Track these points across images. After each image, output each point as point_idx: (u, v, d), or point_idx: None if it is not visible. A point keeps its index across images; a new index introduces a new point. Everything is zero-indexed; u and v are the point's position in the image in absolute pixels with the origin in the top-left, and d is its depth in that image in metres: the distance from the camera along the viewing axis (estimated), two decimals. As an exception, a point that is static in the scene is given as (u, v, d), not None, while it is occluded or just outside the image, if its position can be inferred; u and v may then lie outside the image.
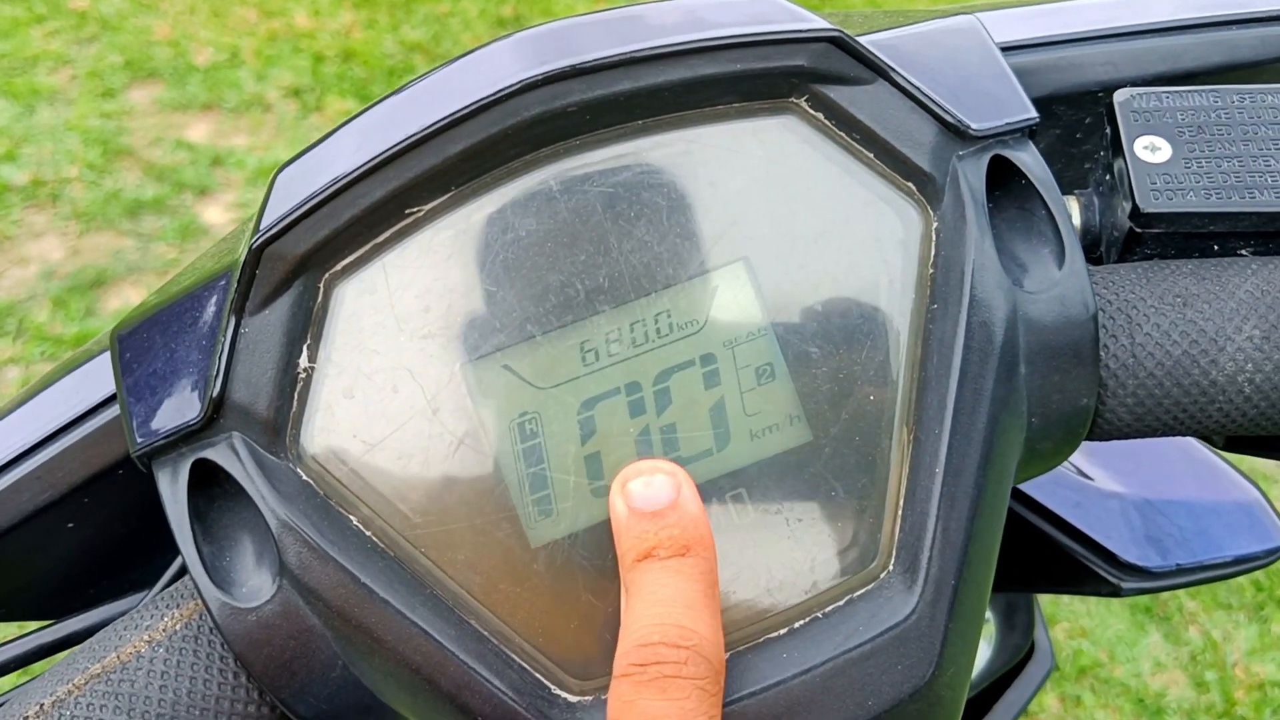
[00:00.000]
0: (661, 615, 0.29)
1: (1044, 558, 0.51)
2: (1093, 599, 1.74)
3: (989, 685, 0.64)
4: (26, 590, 0.40)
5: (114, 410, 0.37)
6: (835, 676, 0.31)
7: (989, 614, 0.59)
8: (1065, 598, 1.73)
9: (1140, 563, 0.49)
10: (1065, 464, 0.53)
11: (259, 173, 2.23)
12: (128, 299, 1.99)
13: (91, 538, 0.39)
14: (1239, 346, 0.33)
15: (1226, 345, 0.33)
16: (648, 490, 0.31)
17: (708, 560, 0.30)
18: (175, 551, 0.39)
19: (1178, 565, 0.48)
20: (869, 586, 0.32)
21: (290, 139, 2.32)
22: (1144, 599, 1.73)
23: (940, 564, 0.32)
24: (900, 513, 0.32)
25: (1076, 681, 1.64)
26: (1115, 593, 0.49)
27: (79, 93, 2.38)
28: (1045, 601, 1.73)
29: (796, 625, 0.32)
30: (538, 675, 0.31)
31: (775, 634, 0.32)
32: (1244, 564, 0.50)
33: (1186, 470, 0.53)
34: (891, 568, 0.32)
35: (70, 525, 0.38)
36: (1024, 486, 0.51)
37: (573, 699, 0.31)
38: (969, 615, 0.33)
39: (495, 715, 0.31)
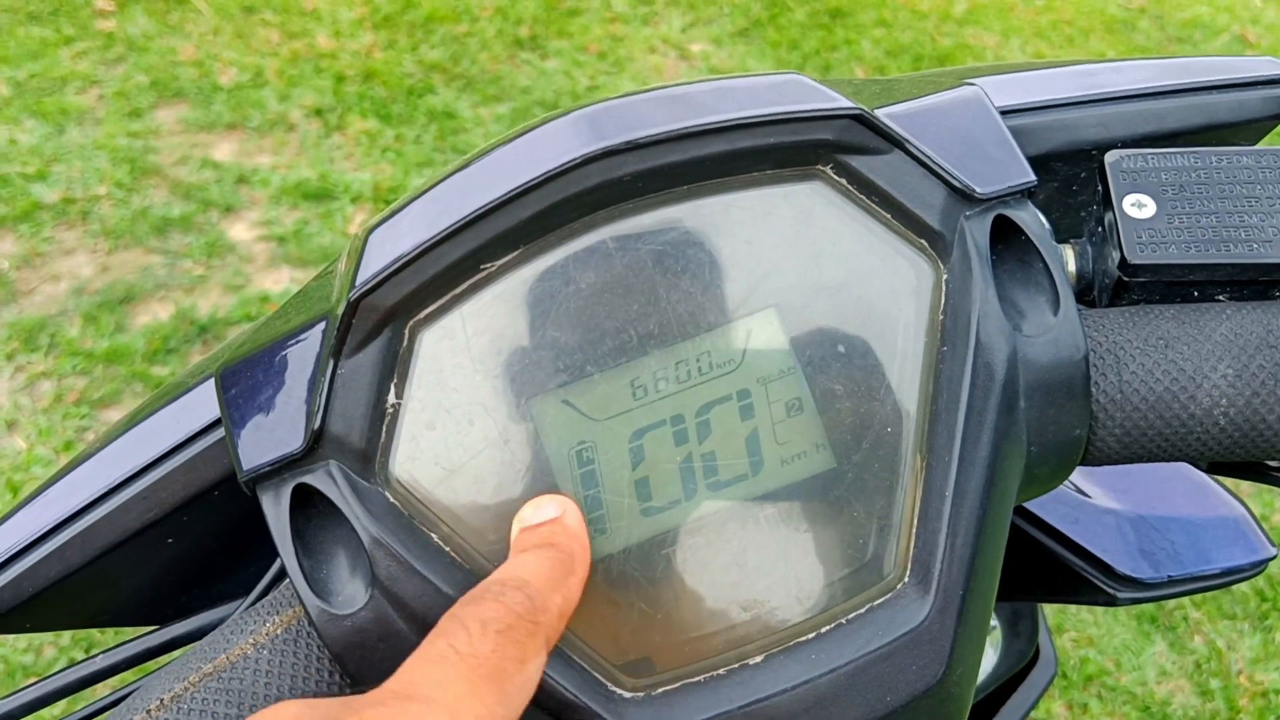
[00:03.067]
0: (507, 569, 0.33)
1: (1045, 569, 0.55)
2: (1099, 610, 1.77)
3: (995, 689, 0.68)
4: (127, 599, 0.45)
5: (210, 438, 0.42)
6: (858, 675, 0.35)
7: (995, 621, 0.62)
8: (1072, 608, 1.77)
9: (1134, 574, 0.53)
10: (1064, 483, 0.57)
11: (283, 191, 2.28)
12: (156, 315, 2.04)
13: (187, 552, 0.43)
14: (1214, 384, 0.38)
15: (1203, 383, 0.38)
16: (536, 512, 0.36)
17: (571, 559, 0.34)
18: (262, 565, 0.44)
19: (1169, 577, 0.53)
20: (887, 596, 0.36)
21: (313, 157, 2.37)
22: (1149, 609, 1.77)
23: (950, 576, 0.36)
24: (914, 530, 0.36)
25: (1083, 689, 1.67)
26: (1111, 602, 0.53)
27: (107, 112, 2.44)
28: (1052, 611, 1.76)
29: (823, 630, 0.36)
30: (596, 675, 0.36)
31: (804, 638, 0.36)
32: (1231, 575, 0.54)
33: (1178, 488, 0.57)
34: (907, 579, 0.36)
35: (170, 540, 0.42)
36: (1027, 504, 0.55)
37: (627, 695, 0.36)
38: (975, 621, 0.37)
39: (560, 710, 0.35)
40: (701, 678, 0.36)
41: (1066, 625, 1.74)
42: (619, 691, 0.36)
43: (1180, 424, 0.38)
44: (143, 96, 2.48)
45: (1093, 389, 0.38)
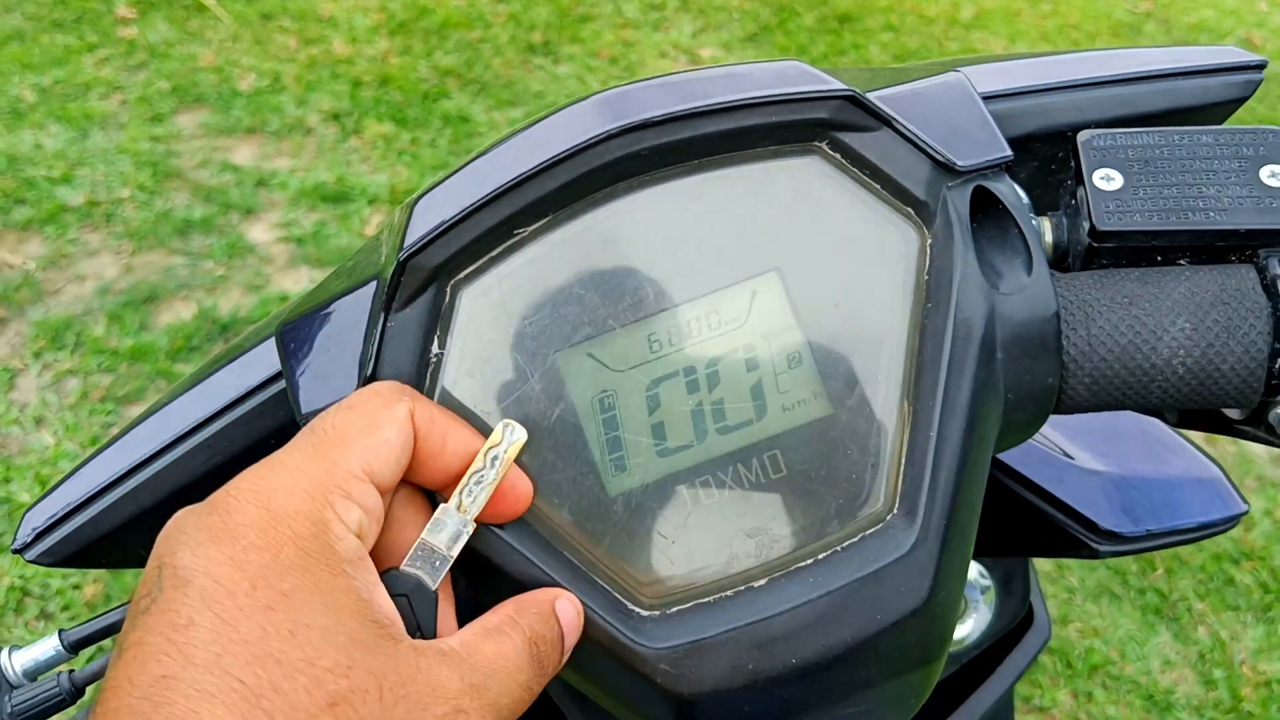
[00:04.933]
0: None
1: (1033, 526, 0.59)
2: (1105, 601, 1.80)
3: (990, 648, 0.72)
4: None
5: (267, 393, 0.46)
6: (851, 596, 0.39)
7: (989, 581, 0.66)
8: (1078, 599, 1.80)
9: (1115, 529, 0.56)
10: (1051, 446, 0.61)
11: (301, 193, 2.33)
12: (179, 314, 2.09)
13: None
14: (1173, 336, 0.41)
15: (1164, 335, 0.42)
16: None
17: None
18: None
19: (1148, 530, 0.56)
20: (878, 526, 0.40)
21: (330, 161, 2.42)
22: (1154, 600, 1.80)
23: (934, 508, 0.39)
24: (902, 468, 0.40)
25: (1088, 678, 1.70)
26: (1094, 555, 0.57)
27: (129, 117, 2.49)
28: (1056, 603, 1.80)
29: (820, 557, 0.40)
30: (616, 594, 0.40)
31: (803, 564, 0.40)
32: (1206, 529, 0.57)
33: (1157, 451, 0.60)
34: (896, 511, 0.40)
35: None
36: (1016, 464, 0.59)
37: (644, 613, 0.40)
38: (958, 550, 0.41)
39: (584, 625, 0.39)
40: (711, 598, 0.40)
41: (1072, 616, 1.77)
42: (637, 610, 0.39)
43: (1143, 373, 0.42)
44: (164, 102, 2.54)
45: (1064, 342, 0.42)
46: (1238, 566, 1.84)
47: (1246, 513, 0.58)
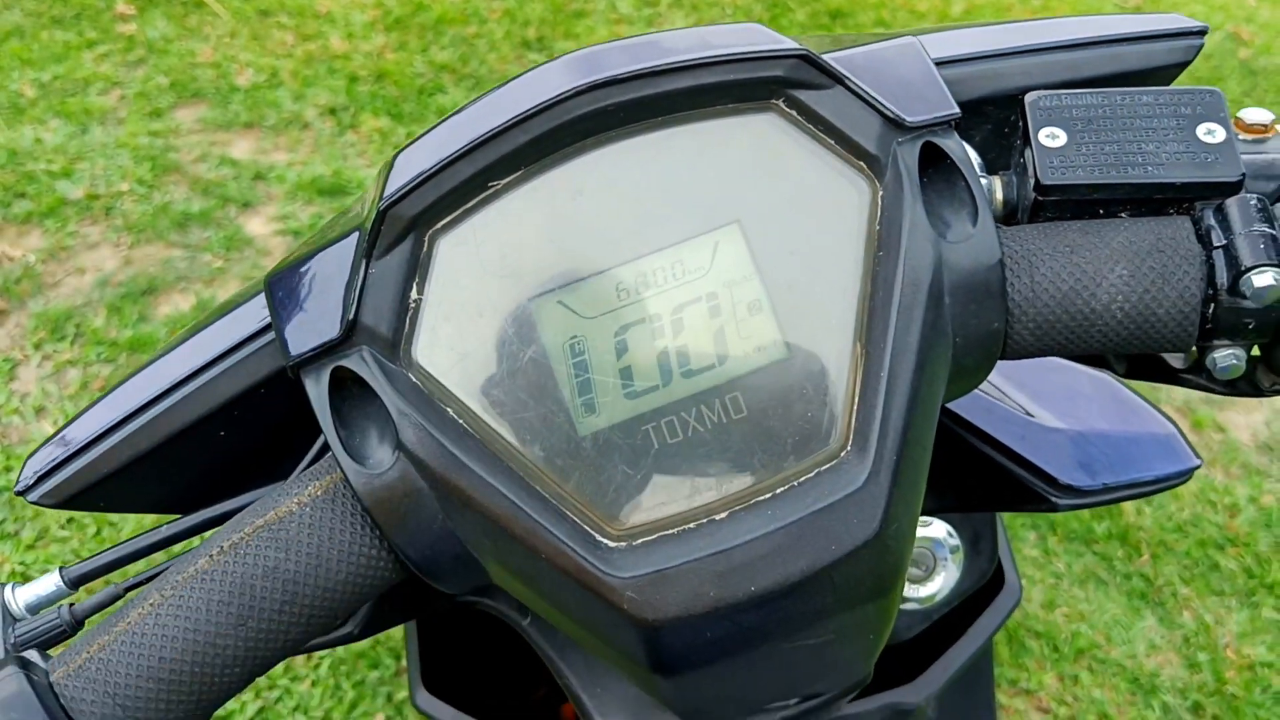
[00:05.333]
0: None
1: (995, 481, 0.61)
2: (1091, 586, 1.82)
3: (962, 609, 0.74)
4: (187, 487, 0.51)
5: (256, 344, 0.48)
6: (807, 528, 0.41)
7: (958, 541, 0.68)
8: (1065, 584, 1.82)
9: (1073, 483, 0.59)
10: (1014, 406, 0.63)
11: (298, 187, 2.35)
12: (178, 305, 2.12)
13: (238, 444, 0.50)
14: (1112, 283, 0.44)
15: (1103, 282, 0.44)
16: None
17: None
18: (302, 457, 0.51)
19: (1104, 484, 0.59)
20: (832, 463, 0.42)
21: (327, 155, 2.44)
22: (1140, 585, 1.82)
23: (885, 445, 0.42)
24: (855, 407, 0.42)
25: (1075, 662, 1.73)
26: (1053, 508, 0.59)
27: (128, 112, 2.52)
28: (1045, 588, 1.82)
29: (778, 491, 0.42)
30: (585, 527, 0.42)
31: (762, 498, 0.42)
32: (1161, 483, 0.60)
33: (1114, 410, 0.63)
34: (849, 448, 0.42)
35: (222, 433, 0.49)
36: (980, 423, 0.61)
37: (611, 544, 0.42)
38: (909, 485, 0.43)
39: (554, 555, 0.41)
40: (675, 530, 0.42)
41: (1059, 601, 1.80)
42: (604, 541, 0.42)
43: (1084, 318, 0.44)
44: (163, 97, 2.56)
45: (1008, 289, 0.44)
46: (1222, 552, 1.86)
47: (1199, 467, 0.60)
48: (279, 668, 1.67)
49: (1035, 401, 0.63)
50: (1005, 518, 0.75)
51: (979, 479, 0.62)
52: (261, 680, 1.65)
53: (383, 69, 2.68)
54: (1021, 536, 1.89)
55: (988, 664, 0.99)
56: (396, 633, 1.72)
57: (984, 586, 0.73)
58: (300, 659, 1.68)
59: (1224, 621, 1.78)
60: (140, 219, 2.27)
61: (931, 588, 0.68)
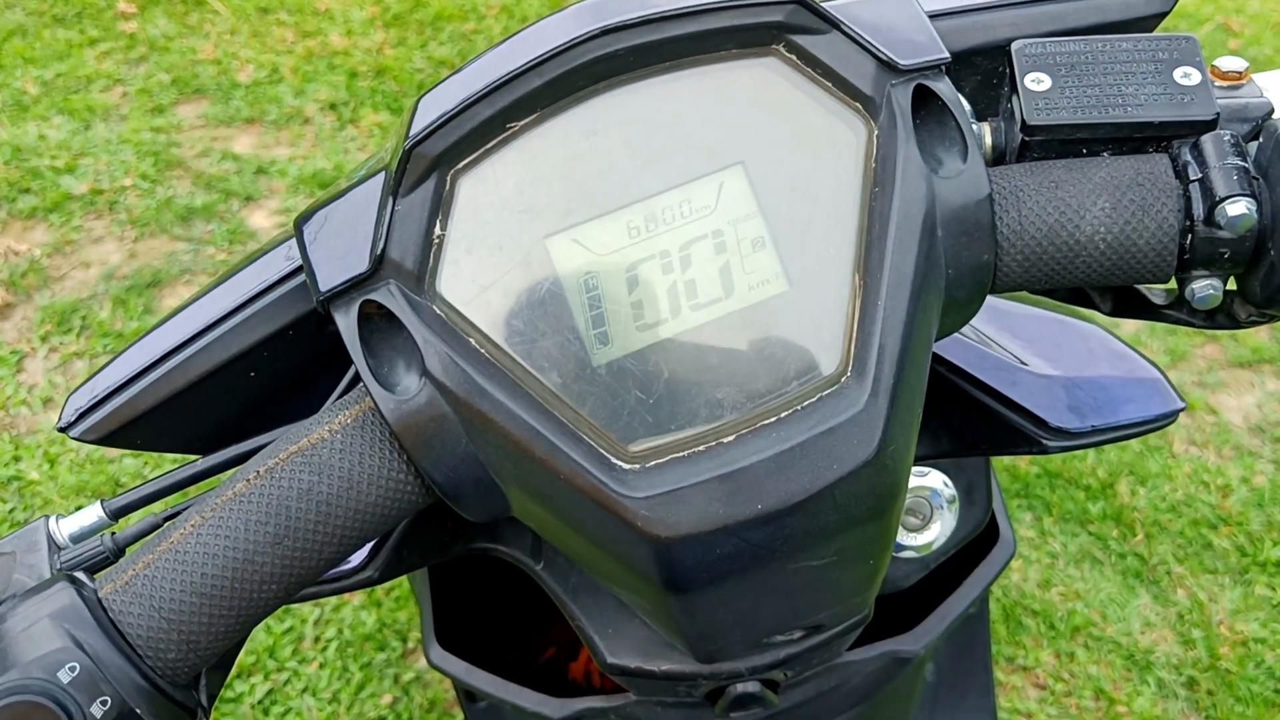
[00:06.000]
0: None
1: (988, 425, 0.64)
2: (1087, 565, 1.85)
3: (959, 561, 0.76)
4: (219, 427, 0.54)
5: (283, 289, 0.51)
6: (810, 448, 0.44)
7: (954, 490, 0.71)
8: (1061, 564, 1.85)
9: (1064, 425, 0.61)
10: (1007, 355, 0.66)
11: (300, 180, 2.38)
12: (182, 297, 2.14)
13: (267, 385, 0.53)
14: (1095, 215, 0.46)
15: (1085, 214, 0.46)
16: None
17: None
18: (322, 398, 0.53)
19: (1093, 426, 0.61)
20: (834, 388, 0.45)
21: (328, 149, 2.47)
22: (1134, 564, 1.84)
23: (883, 370, 0.44)
24: (854, 335, 0.45)
25: (1070, 639, 1.75)
26: (1044, 450, 0.61)
27: (131, 109, 2.54)
28: (1041, 568, 1.84)
29: (783, 415, 0.45)
30: (600, 449, 0.44)
31: (767, 421, 0.45)
32: (1148, 424, 0.62)
33: (1103, 357, 0.65)
34: (849, 374, 0.45)
35: (252, 374, 0.52)
36: (974, 370, 0.64)
37: (625, 466, 0.44)
38: (906, 409, 0.45)
39: (572, 476, 0.44)
40: (686, 453, 0.44)
41: (1055, 580, 1.82)
42: (619, 463, 0.44)
43: (1069, 249, 0.47)
44: (165, 94, 2.58)
45: (997, 222, 0.47)
46: (1216, 531, 1.89)
47: (1184, 409, 0.63)
48: (286, 649, 1.69)
49: (1028, 350, 0.65)
50: (1002, 494, 0.78)
51: (973, 423, 0.64)
52: (270, 662, 1.67)
53: (382, 64, 2.70)
54: (1018, 517, 1.91)
55: (984, 627, 1.02)
56: (403, 614, 1.74)
57: (979, 541, 0.76)
58: (307, 640, 1.71)
59: (1217, 599, 1.81)
60: (144, 213, 2.29)
61: (928, 536, 0.71)
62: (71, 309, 2.11)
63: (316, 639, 1.71)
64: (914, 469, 0.68)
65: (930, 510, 0.71)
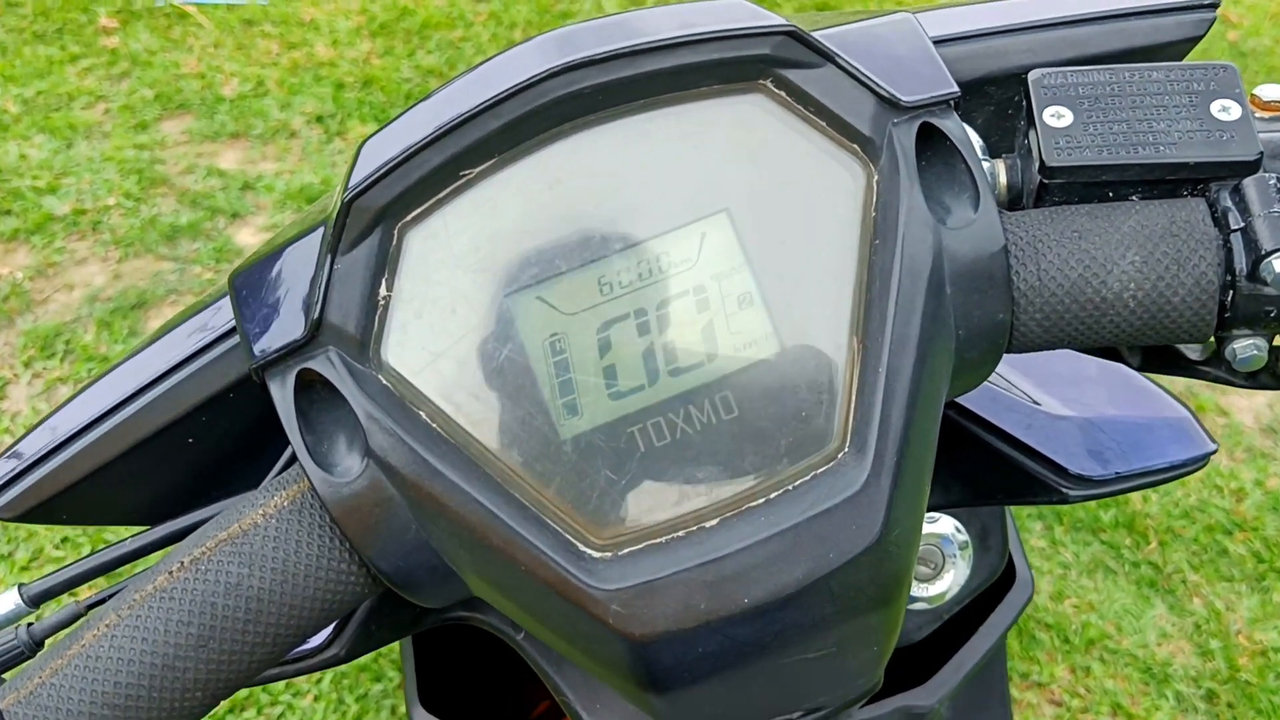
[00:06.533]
0: None
1: (1002, 473, 0.59)
2: (1100, 575, 1.80)
3: (970, 605, 0.72)
4: (154, 498, 0.49)
5: (223, 347, 0.46)
6: (802, 535, 0.39)
7: (966, 536, 0.66)
8: (1073, 574, 1.80)
9: (1084, 473, 0.56)
10: (1019, 394, 0.61)
11: (288, 195, 2.33)
12: (168, 319, 2.09)
13: (207, 452, 0.48)
14: (1124, 269, 0.41)
15: (1113, 269, 0.41)
16: None
17: None
18: (267, 468, 0.48)
19: (1116, 473, 0.56)
20: (829, 465, 0.40)
21: (316, 163, 2.42)
22: (1149, 573, 1.80)
23: (885, 445, 0.39)
24: (853, 405, 0.40)
25: (1086, 653, 1.71)
26: (1064, 500, 0.57)
27: (114, 126, 2.49)
28: (1053, 579, 1.80)
29: (772, 496, 0.40)
30: (568, 536, 0.39)
31: (755, 503, 0.40)
32: (1176, 470, 0.57)
33: (1124, 395, 0.60)
34: (847, 449, 0.40)
35: (190, 440, 0.47)
36: (984, 412, 0.59)
37: (595, 554, 0.39)
38: (911, 487, 0.41)
39: (535, 566, 0.39)
40: (663, 539, 0.40)
41: (1068, 591, 1.78)
42: (588, 551, 0.40)
43: (1094, 307, 0.42)
44: (148, 110, 2.54)
45: (1013, 277, 0.42)
46: (1230, 537, 1.84)
47: (1214, 452, 0.58)
48: (279, 683, 1.65)
49: (1041, 388, 0.60)
50: (1018, 528, 0.73)
51: (985, 471, 0.59)
52: (263, 696, 1.63)
53: (369, 75, 2.66)
54: (1028, 527, 1.86)
55: (1001, 658, 0.97)
56: (399, 643, 1.70)
57: (995, 580, 0.71)
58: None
59: (1234, 607, 1.76)
60: (128, 233, 2.25)
61: (940, 586, 0.66)
62: (55, 333, 2.06)
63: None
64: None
65: (942, 559, 0.66)
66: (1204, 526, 1.86)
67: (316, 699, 1.63)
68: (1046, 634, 1.73)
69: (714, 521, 0.40)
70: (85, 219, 2.27)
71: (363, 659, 1.67)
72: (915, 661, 0.71)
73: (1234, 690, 1.66)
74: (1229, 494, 1.90)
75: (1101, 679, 1.68)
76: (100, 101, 2.56)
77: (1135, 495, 1.89)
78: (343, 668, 1.66)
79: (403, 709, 1.63)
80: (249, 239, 2.26)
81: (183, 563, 0.40)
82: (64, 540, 1.77)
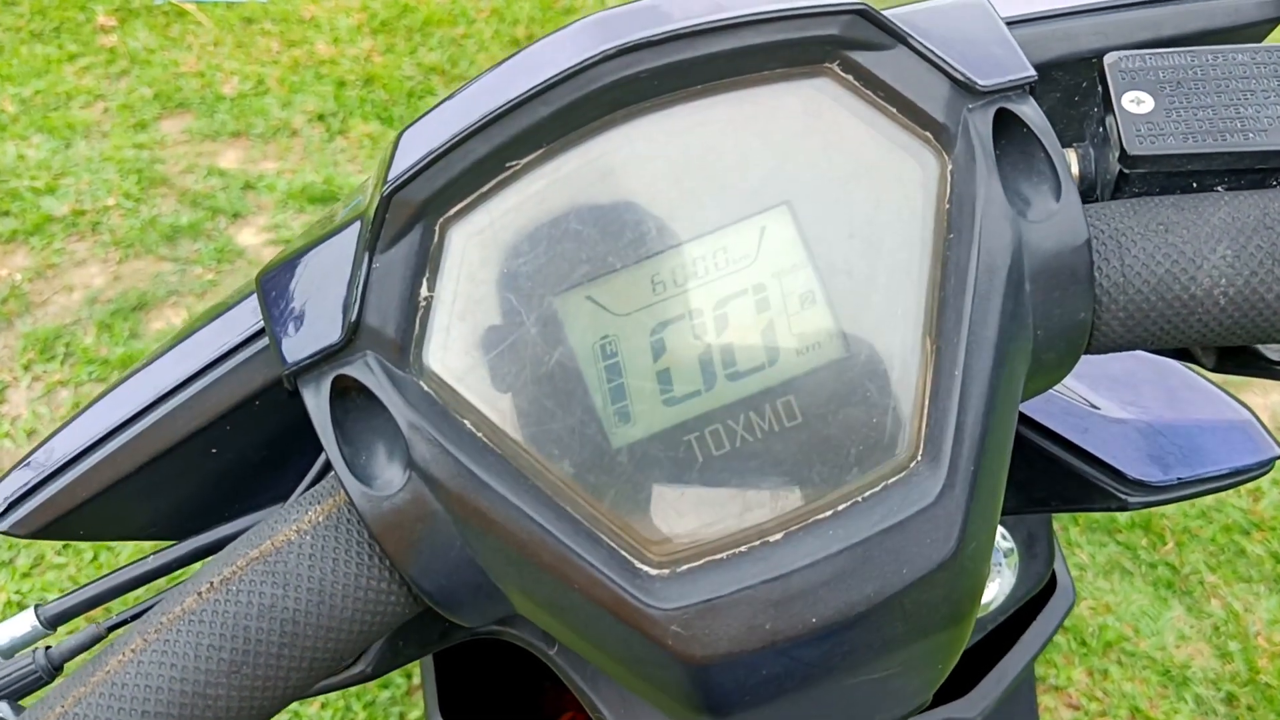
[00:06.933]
0: None
1: (1058, 479, 0.56)
2: (1116, 577, 1.78)
3: (1014, 615, 0.69)
4: (176, 511, 0.46)
5: (249, 351, 0.43)
6: (873, 550, 0.36)
7: (1012, 544, 0.64)
8: (1089, 575, 1.78)
9: (1144, 478, 0.54)
10: (1074, 396, 0.58)
11: (289, 195, 2.30)
12: (169, 320, 2.07)
13: (231, 462, 0.45)
14: (1214, 265, 0.39)
15: (1203, 264, 0.39)
16: None
17: None
18: (301, 476, 0.46)
19: (1178, 479, 0.54)
20: (901, 475, 0.37)
21: (317, 162, 2.39)
22: (1166, 574, 1.78)
23: (961, 454, 0.37)
24: (926, 411, 0.37)
25: (1103, 656, 1.68)
26: (1123, 507, 0.54)
27: (113, 126, 2.47)
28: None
29: (840, 508, 0.37)
30: (623, 552, 0.37)
31: (822, 516, 0.37)
32: (1239, 475, 0.55)
33: (1185, 397, 0.58)
34: (920, 458, 0.37)
35: (214, 450, 0.44)
36: (1038, 415, 0.56)
37: (652, 571, 0.37)
38: (987, 498, 0.38)
39: (588, 586, 0.36)
40: (724, 555, 0.37)
41: (1084, 593, 1.75)
42: (645, 568, 0.37)
43: (1182, 305, 0.39)
44: (147, 109, 2.51)
45: (1095, 273, 0.39)
46: (1248, 537, 1.82)
47: (1279, 457, 0.55)
48: (286, 690, 1.62)
49: (1097, 390, 0.58)
50: (1058, 539, 0.71)
51: (1040, 477, 0.57)
52: (268, 704, 1.60)
53: (371, 73, 2.63)
54: (1043, 528, 1.84)
55: (1029, 666, 0.95)
56: (406, 650, 1.67)
57: (1039, 590, 0.69)
58: (307, 681, 1.64)
59: (1253, 609, 1.74)
60: (128, 233, 2.22)
61: (987, 595, 0.63)
62: (55, 335, 2.03)
63: (316, 677, 1.64)
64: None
65: (988, 568, 0.63)
66: (1221, 527, 1.83)
67: (324, 706, 1.60)
68: (1063, 636, 1.70)
69: (778, 536, 0.37)
70: (84, 220, 2.24)
71: (370, 665, 1.64)
72: (956, 672, 0.69)
73: (1254, 693, 1.64)
74: (1246, 494, 1.88)
75: (1120, 682, 1.66)
76: (99, 101, 2.53)
77: (1151, 495, 1.87)
78: (350, 674, 1.64)
79: (410, 716, 1.60)
80: (250, 239, 2.23)
81: (212, 583, 0.38)
82: (65, 547, 1.74)
